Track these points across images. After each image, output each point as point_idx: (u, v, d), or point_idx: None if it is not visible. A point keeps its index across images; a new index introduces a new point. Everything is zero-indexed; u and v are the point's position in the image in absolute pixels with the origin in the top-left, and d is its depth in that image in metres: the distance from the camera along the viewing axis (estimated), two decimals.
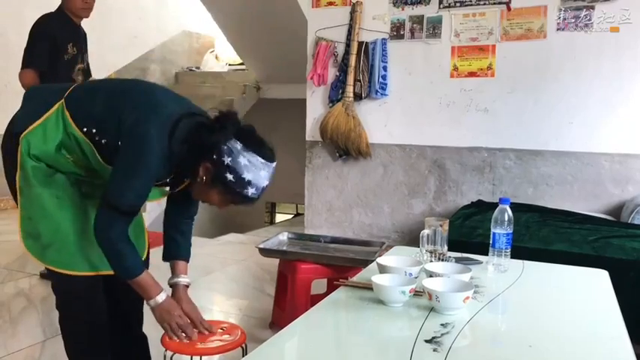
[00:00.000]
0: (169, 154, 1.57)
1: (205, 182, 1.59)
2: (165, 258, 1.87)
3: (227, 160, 1.53)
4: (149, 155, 1.54)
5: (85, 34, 3.44)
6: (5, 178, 1.74)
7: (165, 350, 1.70)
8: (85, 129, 1.63)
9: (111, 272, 1.74)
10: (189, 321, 1.71)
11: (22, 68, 3.18)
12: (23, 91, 3.16)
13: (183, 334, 1.68)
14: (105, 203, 1.59)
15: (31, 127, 1.65)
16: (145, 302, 1.72)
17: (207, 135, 1.56)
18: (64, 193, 1.70)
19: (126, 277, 1.65)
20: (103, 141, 1.62)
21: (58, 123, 1.65)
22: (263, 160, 1.56)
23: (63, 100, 1.67)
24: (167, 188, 1.81)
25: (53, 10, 3.34)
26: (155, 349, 1.95)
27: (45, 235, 1.70)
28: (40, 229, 1.70)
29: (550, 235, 2.91)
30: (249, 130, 1.60)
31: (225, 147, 1.53)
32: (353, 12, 4.18)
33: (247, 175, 1.54)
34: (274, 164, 1.60)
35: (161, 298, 1.67)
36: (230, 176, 1.54)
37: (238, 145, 1.54)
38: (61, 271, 1.70)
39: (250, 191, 1.56)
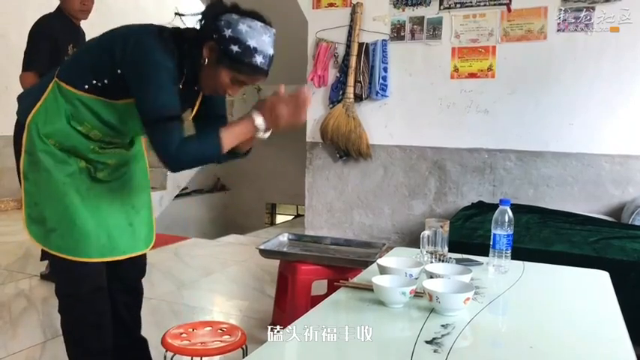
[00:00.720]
0: (168, 49, 1.56)
1: (211, 63, 1.58)
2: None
3: (228, 32, 1.53)
4: (156, 56, 1.54)
5: (84, 34, 3.44)
6: (16, 169, 1.75)
7: (166, 351, 1.71)
8: (85, 86, 1.63)
9: (115, 258, 1.75)
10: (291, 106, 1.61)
11: (23, 71, 3.17)
12: None
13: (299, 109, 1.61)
14: (150, 124, 1.55)
15: (34, 110, 1.66)
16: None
17: (198, 22, 1.57)
18: (73, 179, 1.69)
19: (221, 155, 1.60)
20: (105, 82, 1.61)
21: (57, 97, 1.66)
22: (262, 24, 1.57)
23: (55, 78, 1.68)
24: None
25: (52, 11, 3.34)
26: (155, 349, 1.95)
27: (50, 219, 1.68)
28: (45, 213, 1.69)
29: (550, 236, 2.91)
30: (237, 4, 1.60)
31: (222, 21, 1.53)
32: (353, 13, 4.18)
33: (251, 42, 1.53)
34: (274, 30, 1.60)
35: (259, 120, 1.59)
36: (235, 47, 1.53)
37: (234, 16, 1.54)
38: (65, 257, 1.68)
39: (258, 60, 1.55)
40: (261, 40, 1.55)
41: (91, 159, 1.73)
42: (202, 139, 1.60)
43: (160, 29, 1.61)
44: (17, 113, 1.75)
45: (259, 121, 1.59)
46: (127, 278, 1.88)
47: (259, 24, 1.56)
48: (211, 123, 1.74)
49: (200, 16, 1.61)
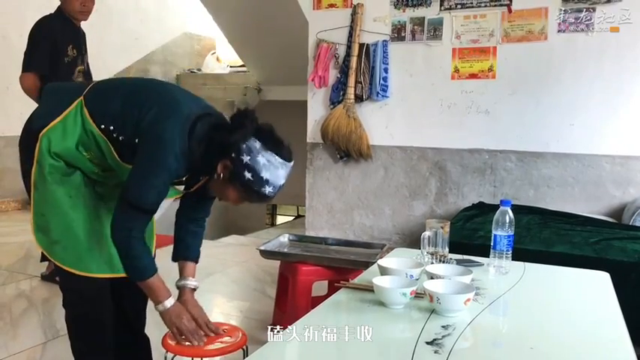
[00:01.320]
0: (188, 152, 1.58)
1: (223, 179, 1.59)
2: (174, 258, 1.86)
3: (246, 159, 1.54)
4: (168, 154, 1.55)
5: (84, 34, 3.44)
6: (21, 174, 1.75)
7: (166, 352, 1.70)
8: (102, 126, 1.63)
9: (116, 275, 1.75)
10: (196, 326, 1.71)
11: (23, 72, 3.17)
12: (24, 93, 3.18)
13: (192, 339, 1.67)
14: (125, 203, 1.58)
15: (51, 124, 1.65)
16: (151, 305, 1.71)
17: (226, 134, 1.56)
18: (78, 193, 1.71)
19: (137, 278, 1.64)
20: (120, 138, 1.62)
21: (77, 120, 1.65)
22: (281, 160, 1.57)
23: (82, 98, 1.67)
24: (182, 188, 1.80)
25: (53, 12, 3.34)
26: (156, 350, 1.95)
27: (54, 231, 1.70)
28: (50, 224, 1.70)
29: (551, 237, 2.91)
30: (268, 129, 1.60)
31: (245, 146, 1.54)
32: (354, 14, 4.18)
33: (265, 174, 1.54)
34: (292, 164, 1.61)
35: (169, 303, 1.66)
36: (248, 175, 1.54)
37: (257, 144, 1.54)
38: (67, 269, 1.70)
39: (267, 190, 1.57)
40: (275, 173, 1.56)
41: (93, 179, 1.76)
42: (144, 258, 1.63)
43: (196, 120, 1.59)
44: (33, 116, 1.74)
45: (160, 308, 1.66)
46: None
47: (278, 160, 1.56)
48: (199, 201, 1.84)
49: (231, 120, 1.61)
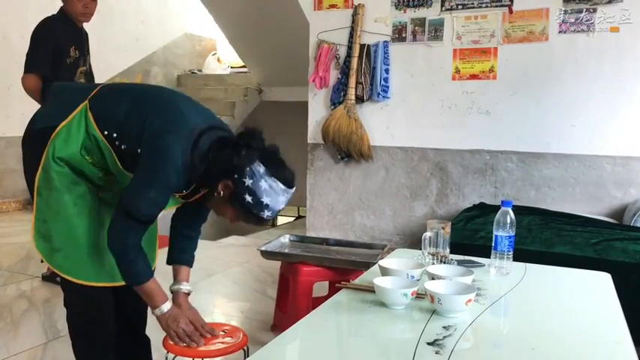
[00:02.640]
0: (190, 167, 1.57)
1: (223, 198, 1.59)
2: (168, 262, 1.86)
3: (248, 182, 1.53)
4: (170, 168, 1.53)
5: (86, 35, 3.45)
6: (24, 175, 1.74)
7: (167, 353, 1.71)
8: (105, 132, 1.62)
9: (117, 284, 1.75)
10: (193, 328, 1.70)
11: (25, 72, 3.18)
12: (26, 93, 3.19)
13: (190, 341, 1.67)
14: (122, 211, 1.58)
15: (57, 129, 1.64)
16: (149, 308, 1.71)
17: (230, 154, 1.55)
18: (83, 201, 1.70)
19: (133, 282, 1.65)
20: (122, 146, 1.62)
21: (81, 123, 1.65)
22: (283, 187, 1.57)
23: (87, 102, 1.66)
24: (181, 200, 1.79)
25: (55, 13, 3.34)
26: (157, 351, 1.95)
27: (56, 239, 1.70)
28: (52, 231, 1.70)
29: (552, 238, 2.91)
30: (273, 151, 1.60)
31: (249, 169, 1.53)
32: (355, 14, 4.19)
33: (266, 199, 1.54)
34: (293, 190, 1.61)
35: (166, 307, 1.67)
36: (249, 198, 1.54)
37: (261, 169, 1.54)
38: (67, 277, 1.71)
39: (266, 214, 1.57)
40: (275, 199, 1.56)
41: (98, 184, 1.75)
42: (138, 263, 1.63)
43: (201, 134, 1.58)
44: (37, 116, 1.73)
45: (157, 313, 1.67)
46: None
47: (281, 187, 1.56)
48: (197, 209, 1.82)
49: (237, 139, 1.59)
